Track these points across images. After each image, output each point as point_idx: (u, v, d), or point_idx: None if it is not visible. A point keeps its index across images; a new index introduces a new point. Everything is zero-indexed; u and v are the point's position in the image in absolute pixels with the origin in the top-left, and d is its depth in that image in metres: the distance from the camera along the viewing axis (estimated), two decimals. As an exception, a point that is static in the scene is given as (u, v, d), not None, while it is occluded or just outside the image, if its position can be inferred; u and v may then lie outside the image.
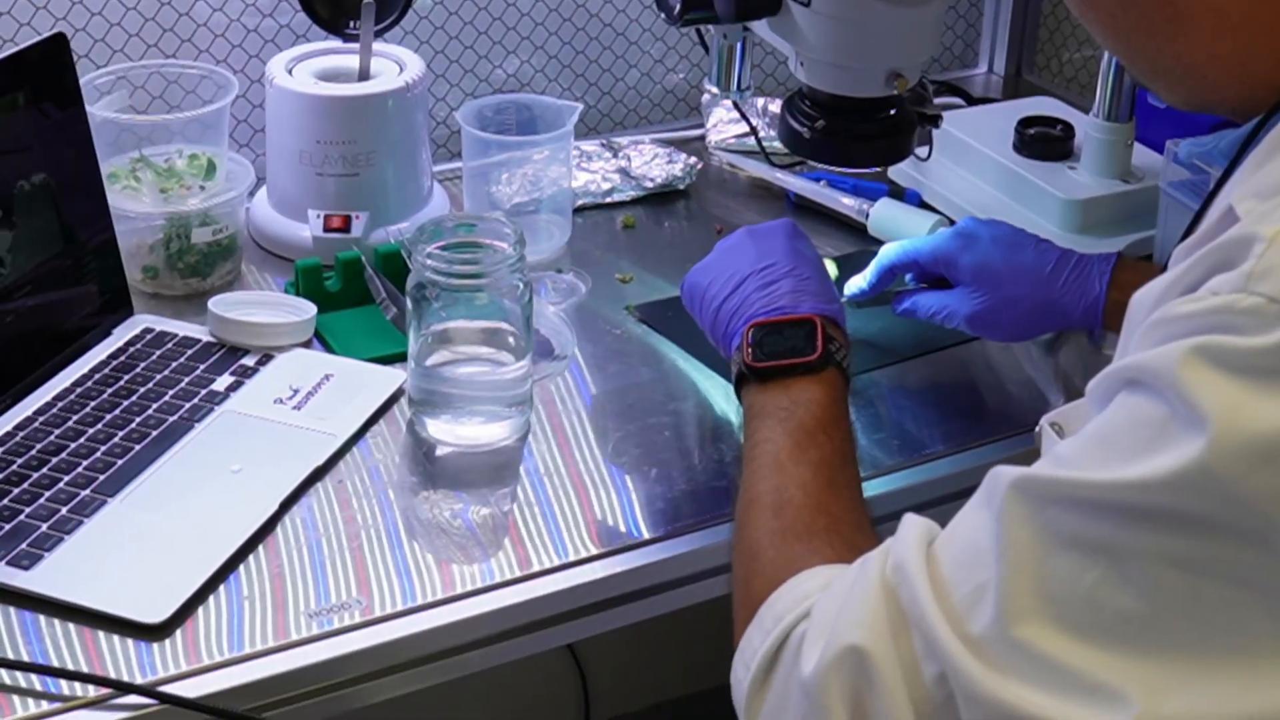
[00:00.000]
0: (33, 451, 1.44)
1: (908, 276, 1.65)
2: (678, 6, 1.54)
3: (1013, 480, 0.93)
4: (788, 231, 1.48)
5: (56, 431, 1.47)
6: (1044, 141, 1.93)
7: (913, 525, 1.03)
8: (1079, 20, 1.10)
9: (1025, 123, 1.95)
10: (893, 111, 1.55)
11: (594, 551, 1.39)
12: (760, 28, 1.54)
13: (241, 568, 1.34)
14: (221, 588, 1.32)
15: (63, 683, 1.22)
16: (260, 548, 1.37)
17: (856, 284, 1.68)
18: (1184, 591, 0.87)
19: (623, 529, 1.42)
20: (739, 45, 1.66)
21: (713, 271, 1.48)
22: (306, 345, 1.63)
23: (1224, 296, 0.87)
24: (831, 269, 1.71)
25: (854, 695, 0.99)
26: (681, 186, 1.98)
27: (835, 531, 1.19)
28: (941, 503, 1.47)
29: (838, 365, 1.35)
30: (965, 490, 1.36)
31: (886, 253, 1.65)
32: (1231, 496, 0.84)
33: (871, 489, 1.43)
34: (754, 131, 1.97)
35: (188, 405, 1.51)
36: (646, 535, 1.41)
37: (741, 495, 1.26)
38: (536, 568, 1.37)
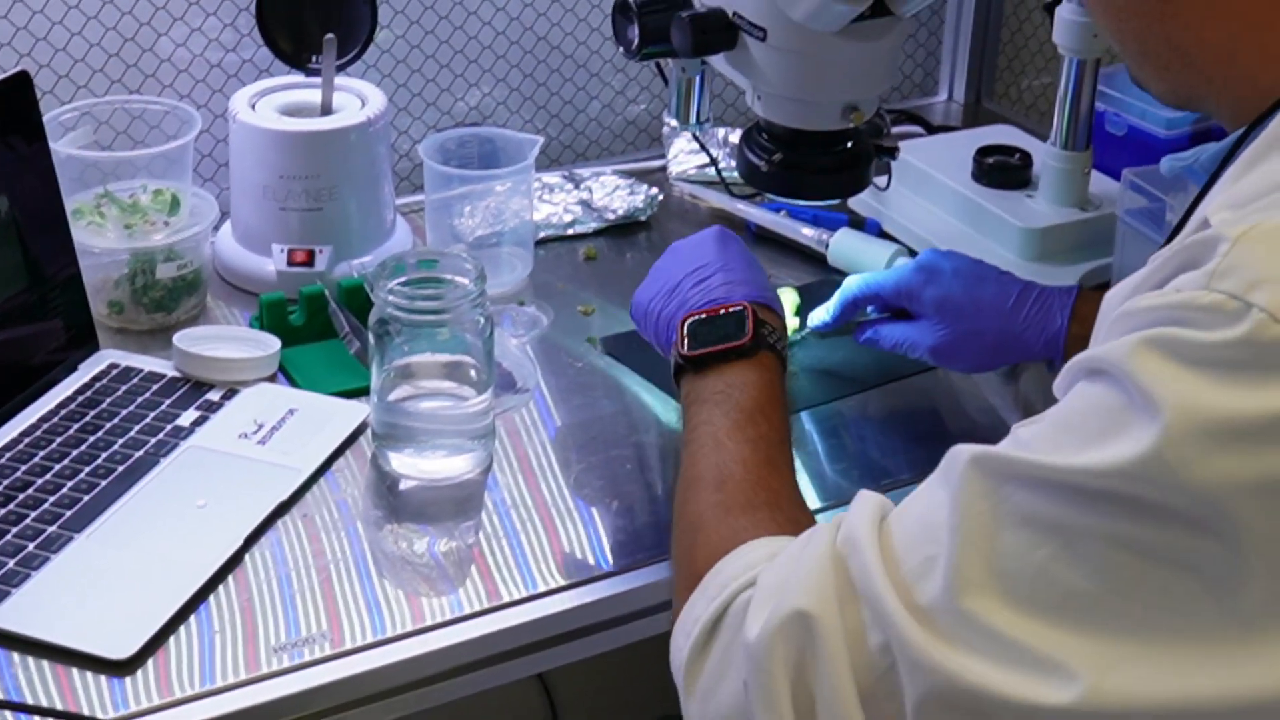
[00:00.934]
0: (-2, 488, 1.45)
1: (869, 308, 1.67)
2: (635, 41, 1.55)
3: (972, 456, 0.95)
4: (715, 235, 1.51)
5: (23, 468, 1.47)
6: (1002, 170, 1.95)
7: (866, 500, 1.04)
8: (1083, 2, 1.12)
9: (984, 151, 1.97)
10: (849, 144, 1.57)
11: (561, 583, 1.40)
12: (718, 61, 1.55)
13: (212, 601, 1.35)
14: (192, 620, 1.33)
15: (35, 718, 1.23)
16: (230, 581, 1.37)
17: (819, 316, 1.69)
18: (1133, 574, 0.88)
19: (590, 560, 1.43)
20: (698, 78, 1.68)
21: (651, 287, 1.51)
22: (271, 379, 1.63)
23: (1186, 293, 0.89)
24: (793, 298, 1.73)
25: (797, 660, 1.00)
26: (643, 218, 1.99)
27: (777, 506, 1.21)
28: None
29: (771, 348, 1.37)
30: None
31: (849, 285, 1.67)
32: (1183, 485, 0.86)
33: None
34: (714, 162, 1.99)
35: (153, 441, 1.52)
36: (613, 566, 1.42)
37: (682, 476, 1.28)
38: (505, 599, 1.38)
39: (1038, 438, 0.94)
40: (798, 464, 1.37)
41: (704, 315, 1.40)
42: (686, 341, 1.39)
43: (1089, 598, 0.89)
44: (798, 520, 1.15)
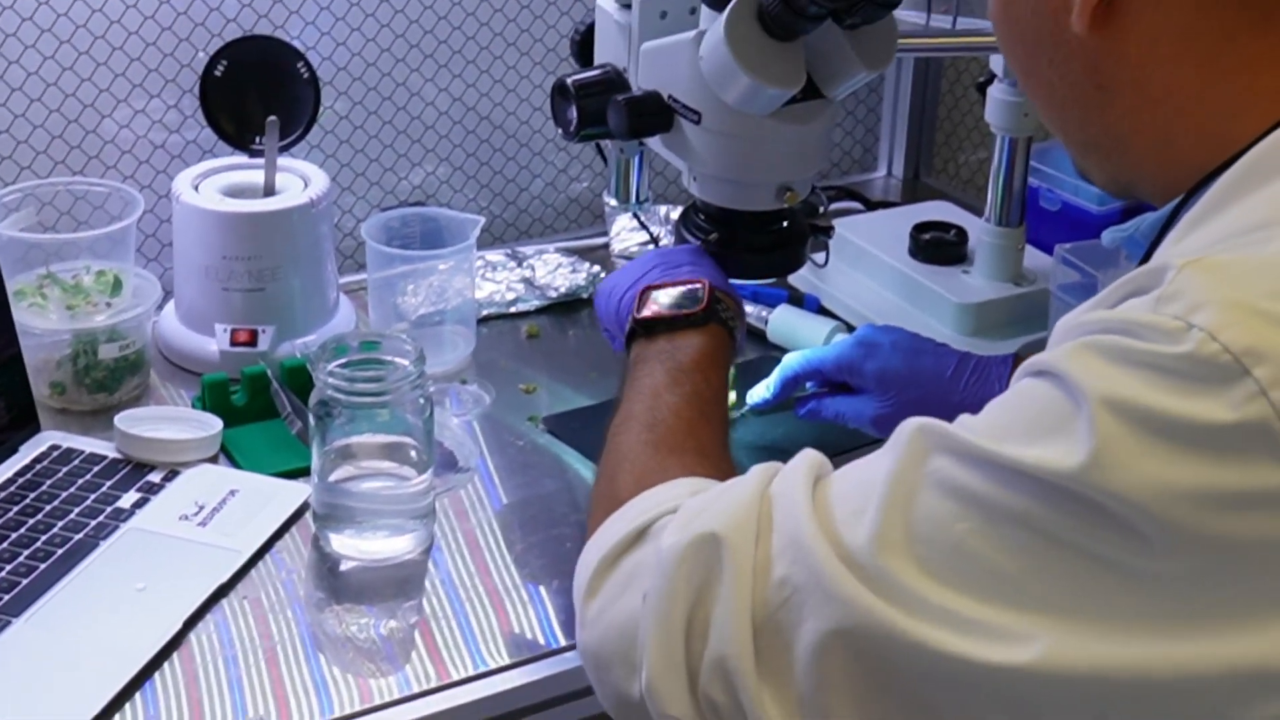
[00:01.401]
0: (-63, 573, 1.45)
1: (809, 384, 1.69)
2: (574, 123, 1.57)
3: (918, 424, 0.98)
4: (693, 247, 1.56)
5: (-38, 552, 1.47)
6: (938, 246, 1.97)
7: (806, 455, 1.07)
8: (1028, 95, 1.14)
9: (920, 228, 1.99)
10: (785, 223, 1.58)
11: (508, 660, 1.41)
12: (654, 143, 1.57)
13: (157, 682, 1.35)
14: (138, 700, 1.33)
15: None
16: (175, 663, 1.37)
17: (759, 393, 1.71)
18: (1050, 560, 0.90)
19: (537, 638, 1.44)
20: (636, 158, 1.70)
21: (620, 275, 1.54)
22: (213, 460, 1.64)
23: (1133, 313, 0.91)
24: (730, 374, 1.75)
25: (702, 580, 1.03)
26: (585, 295, 2.01)
27: (705, 454, 1.25)
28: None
29: (723, 324, 1.41)
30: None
31: (789, 362, 1.69)
32: (1111, 486, 0.88)
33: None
34: (654, 240, 2.00)
35: (93, 523, 1.52)
36: (560, 643, 1.43)
37: (614, 419, 1.32)
38: (453, 677, 1.38)
39: (980, 424, 0.96)
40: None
41: (662, 286, 1.45)
42: (641, 306, 1.43)
43: (1003, 576, 0.91)
44: (724, 471, 1.17)
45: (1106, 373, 0.90)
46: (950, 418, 1.57)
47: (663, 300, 1.43)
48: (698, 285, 1.44)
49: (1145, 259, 1.06)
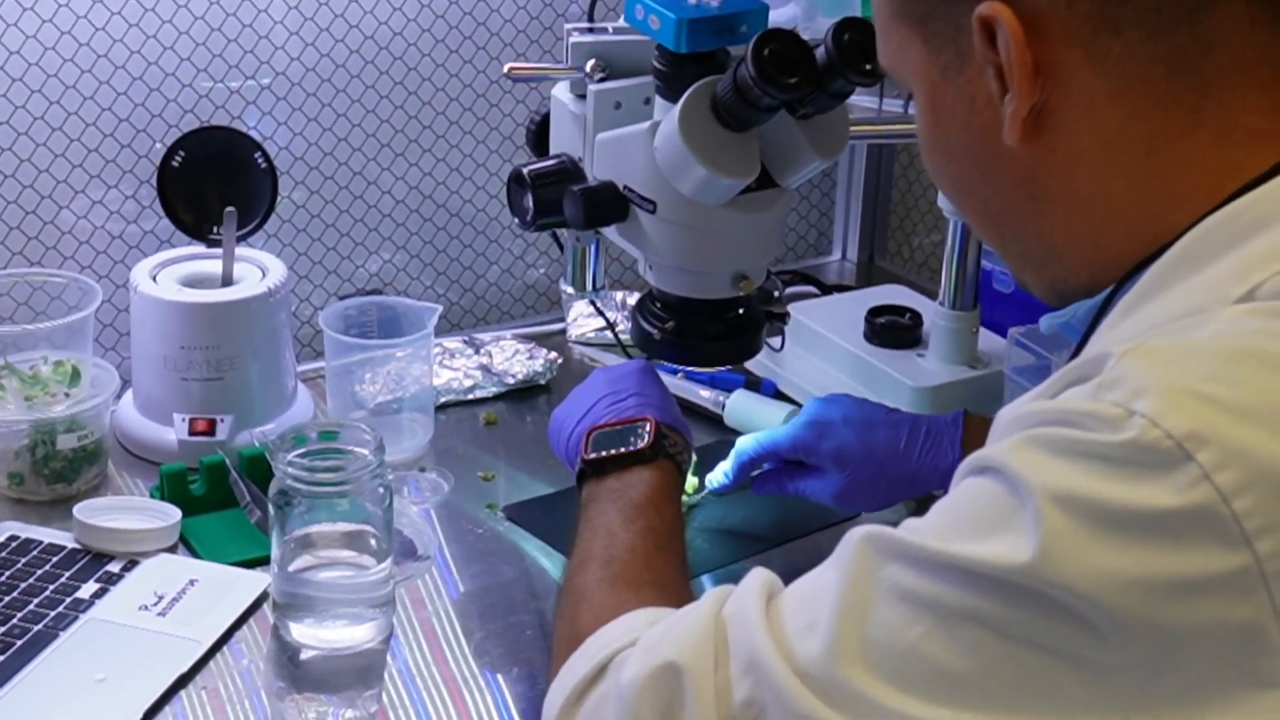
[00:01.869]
0: (-106, 667, 1.44)
1: (765, 464, 1.69)
2: (530, 212, 1.58)
3: (864, 534, 0.98)
4: (638, 367, 1.57)
5: (-81, 646, 1.47)
6: (893, 330, 1.99)
7: (757, 576, 1.08)
8: (958, 211, 1.16)
9: (875, 311, 2.01)
10: (740, 311, 1.60)
11: (468, 750, 1.41)
12: (610, 232, 1.58)
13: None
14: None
15: None
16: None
17: (717, 477, 1.72)
18: (1004, 657, 0.91)
19: (502, 729, 1.44)
20: (592, 246, 1.71)
21: (569, 407, 1.56)
22: (172, 550, 1.64)
23: (1074, 401, 0.92)
24: (691, 459, 1.76)
25: (665, 706, 1.04)
26: (543, 382, 2.02)
27: (662, 586, 1.27)
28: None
29: (671, 458, 1.43)
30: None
31: (744, 445, 1.70)
32: (1060, 579, 0.88)
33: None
34: (611, 327, 2.01)
35: (52, 614, 1.52)
36: (521, 732, 1.43)
37: (570, 559, 1.34)
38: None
39: (926, 525, 0.97)
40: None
41: (608, 426, 1.46)
42: (589, 447, 1.45)
43: (959, 677, 0.92)
44: (683, 601, 1.18)
45: (1049, 465, 0.91)
46: (906, 487, 1.60)
47: (609, 441, 1.45)
48: (643, 423, 1.46)
49: (1081, 344, 1.08)
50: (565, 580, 1.31)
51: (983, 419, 1.64)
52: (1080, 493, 0.89)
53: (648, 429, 1.45)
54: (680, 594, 1.27)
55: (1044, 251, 1.09)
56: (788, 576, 1.63)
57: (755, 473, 1.70)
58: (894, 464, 1.60)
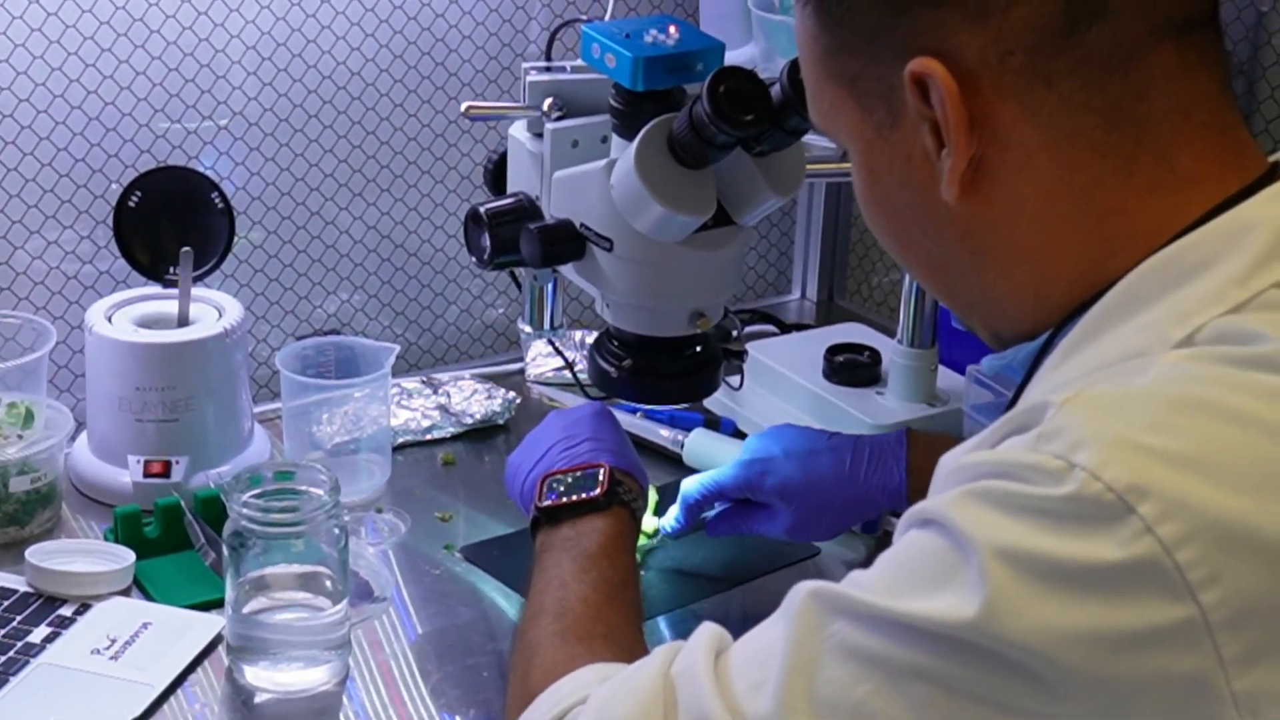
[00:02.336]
0: None
1: (716, 504, 1.69)
2: (487, 251, 1.58)
3: (810, 590, 0.97)
4: (593, 411, 1.57)
5: None
6: (852, 368, 1.99)
7: (705, 631, 1.07)
8: (902, 265, 1.16)
9: (834, 350, 2.01)
10: (698, 349, 1.60)
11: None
12: (568, 270, 1.58)
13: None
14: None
15: None
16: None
17: (668, 521, 1.72)
18: (953, 713, 0.90)
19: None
20: (550, 285, 1.71)
21: (524, 451, 1.56)
22: (125, 593, 1.62)
23: (1014, 451, 0.92)
24: (652, 497, 1.75)
25: None
26: (501, 421, 2.01)
27: (613, 639, 1.26)
28: None
29: (625, 505, 1.43)
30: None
31: (688, 489, 1.69)
32: (1007, 634, 0.88)
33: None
34: (570, 366, 2.01)
35: (3, 658, 1.50)
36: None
37: (524, 611, 1.34)
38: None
39: (872, 579, 0.96)
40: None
41: (562, 473, 1.46)
42: (543, 494, 1.44)
43: None
44: (634, 653, 1.18)
45: (992, 520, 0.90)
46: (857, 510, 1.59)
47: (563, 488, 1.45)
48: (598, 469, 1.46)
49: (1022, 387, 1.08)
50: (519, 633, 1.31)
51: (927, 437, 1.64)
52: (1024, 548, 0.89)
53: (602, 475, 1.45)
54: (633, 647, 1.26)
55: (988, 302, 1.09)
56: (747, 617, 1.62)
57: (708, 514, 1.69)
58: (841, 489, 1.60)
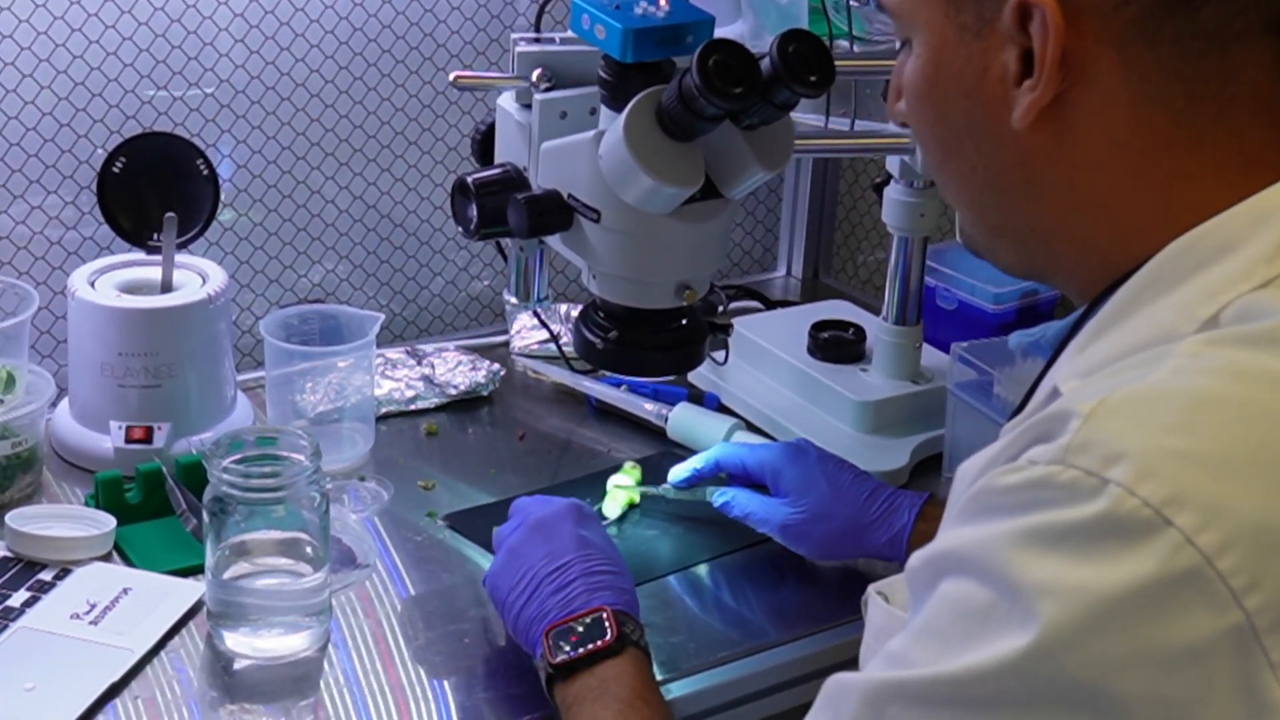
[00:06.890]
0: None
1: (727, 475, 1.70)
2: (474, 221, 1.58)
3: (861, 694, 0.96)
4: (573, 518, 1.51)
5: None
6: (836, 345, 1.99)
7: None
8: (933, 171, 1.14)
9: (819, 326, 2.01)
10: (684, 321, 1.59)
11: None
12: (554, 241, 1.58)
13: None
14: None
15: None
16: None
17: (683, 469, 1.73)
18: None
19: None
20: (536, 256, 1.71)
21: (510, 575, 1.48)
22: (106, 558, 1.62)
23: (1042, 468, 0.91)
24: (634, 474, 1.76)
25: None
26: (485, 393, 2.01)
27: None
28: (776, 690, 1.55)
29: (636, 645, 1.40)
30: (801, 677, 1.50)
31: (722, 451, 1.71)
32: (1063, 673, 0.87)
33: (708, 679, 1.52)
34: (555, 338, 2.01)
35: (-18, 623, 1.50)
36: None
37: None
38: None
39: (911, 648, 0.95)
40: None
41: (565, 625, 1.41)
42: (553, 652, 1.39)
43: None
44: None
45: (1032, 560, 0.89)
46: (857, 538, 1.59)
47: (570, 643, 1.40)
48: (601, 613, 1.40)
49: (1048, 366, 1.08)
50: None
51: (944, 504, 1.64)
52: (1069, 582, 0.88)
53: (607, 621, 1.40)
54: None
55: (1029, 232, 1.09)
56: (750, 580, 1.65)
57: (719, 478, 1.71)
58: (851, 509, 1.61)
